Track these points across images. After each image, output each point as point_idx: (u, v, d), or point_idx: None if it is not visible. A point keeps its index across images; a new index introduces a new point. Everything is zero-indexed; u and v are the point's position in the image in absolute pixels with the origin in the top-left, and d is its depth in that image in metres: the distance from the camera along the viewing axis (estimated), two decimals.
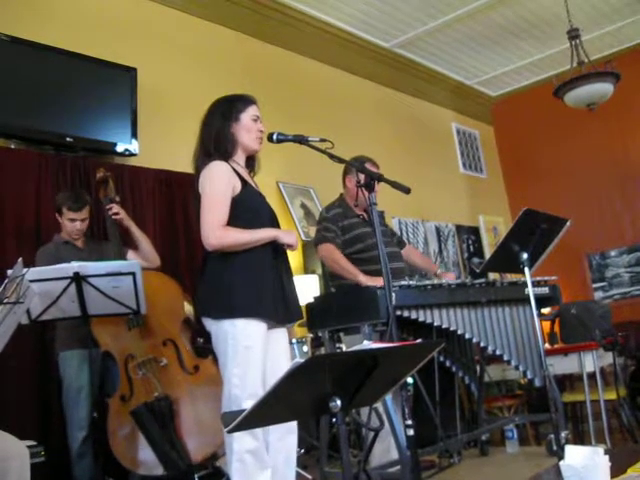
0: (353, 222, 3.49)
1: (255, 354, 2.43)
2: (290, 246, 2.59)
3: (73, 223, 3.30)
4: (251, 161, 2.71)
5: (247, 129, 2.60)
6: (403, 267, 3.55)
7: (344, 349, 3.61)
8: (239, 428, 1.44)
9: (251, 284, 2.46)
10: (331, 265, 3.43)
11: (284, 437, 2.50)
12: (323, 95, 5.87)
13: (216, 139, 2.58)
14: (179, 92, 4.65)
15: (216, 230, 2.43)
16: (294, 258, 4.77)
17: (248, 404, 2.30)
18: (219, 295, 2.48)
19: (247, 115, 2.61)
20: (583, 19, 6.01)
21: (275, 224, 2.66)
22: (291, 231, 2.68)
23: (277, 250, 2.58)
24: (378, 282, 2.95)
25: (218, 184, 2.49)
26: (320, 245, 3.46)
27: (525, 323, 3.47)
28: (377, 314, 2.85)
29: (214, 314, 2.48)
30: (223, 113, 2.60)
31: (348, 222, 3.48)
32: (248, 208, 2.55)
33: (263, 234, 2.53)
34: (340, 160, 2.47)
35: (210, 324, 2.50)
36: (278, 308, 2.50)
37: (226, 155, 2.57)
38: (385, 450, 3.20)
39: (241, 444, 2.36)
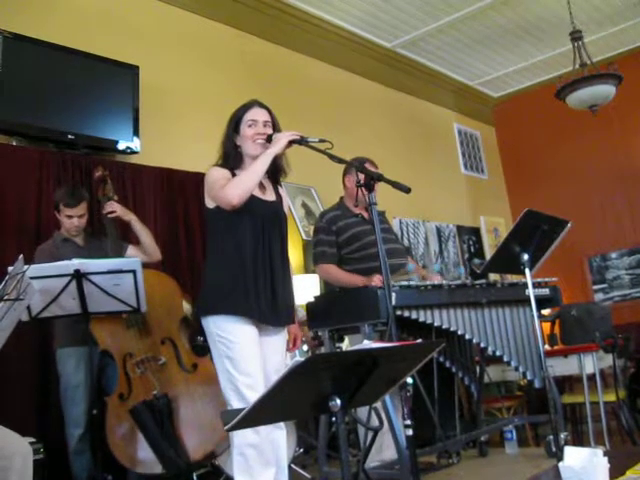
0: (350, 222, 3.49)
1: (244, 348, 2.45)
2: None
3: (70, 220, 3.28)
4: (272, 165, 2.59)
5: (244, 137, 2.63)
6: (404, 263, 3.55)
7: (344, 348, 3.62)
8: (238, 426, 1.44)
9: (231, 282, 2.50)
10: (335, 284, 3.46)
11: (272, 432, 2.50)
12: (325, 95, 5.87)
13: (222, 155, 2.67)
14: (181, 90, 4.65)
15: (220, 191, 2.48)
16: (294, 257, 4.77)
17: (245, 395, 2.37)
18: (204, 293, 2.60)
19: (243, 123, 2.63)
20: (586, 21, 6.01)
21: (276, 226, 2.65)
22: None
23: (272, 251, 2.59)
24: (377, 281, 2.99)
25: (214, 174, 2.58)
26: (318, 266, 3.49)
27: (525, 324, 3.47)
28: (377, 314, 2.85)
29: (201, 311, 2.57)
30: (226, 128, 2.67)
31: (344, 222, 3.48)
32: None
33: None
34: (340, 160, 2.47)
35: (202, 321, 2.57)
36: (262, 308, 2.51)
37: (227, 166, 2.62)
38: (377, 449, 3.19)
39: (242, 438, 2.37)
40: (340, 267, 3.43)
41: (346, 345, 3.67)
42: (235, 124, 2.63)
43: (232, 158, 2.63)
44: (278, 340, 2.65)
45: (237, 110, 2.68)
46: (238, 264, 2.52)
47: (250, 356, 2.45)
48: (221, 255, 2.57)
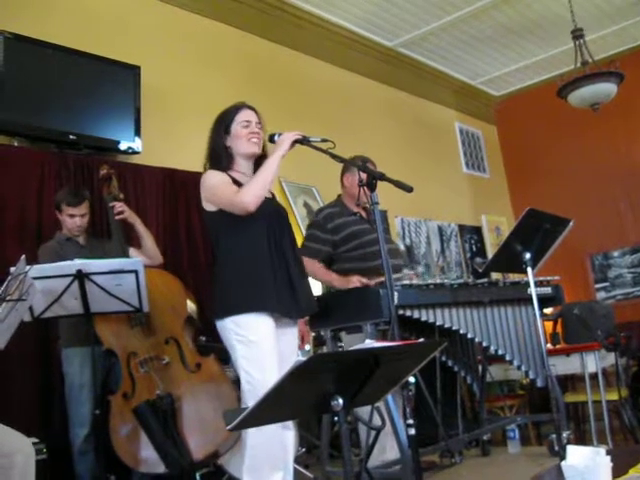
0: (348, 220, 3.45)
1: (263, 347, 2.46)
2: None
3: (73, 219, 3.29)
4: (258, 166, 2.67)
5: (238, 137, 2.65)
6: (400, 264, 3.54)
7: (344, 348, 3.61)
8: (240, 426, 1.44)
9: (249, 280, 2.51)
10: (312, 278, 3.44)
11: (281, 433, 2.49)
12: (326, 94, 5.87)
13: (211, 155, 2.68)
14: (182, 90, 4.65)
15: (235, 198, 2.49)
16: None
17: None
18: (220, 295, 2.58)
19: (236, 124, 2.65)
20: (587, 19, 5.99)
21: (280, 221, 2.67)
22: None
23: (283, 245, 2.60)
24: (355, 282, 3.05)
25: (214, 179, 2.59)
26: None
27: (527, 323, 3.46)
28: (379, 313, 2.85)
29: (218, 314, 2.54)
30: (215, 129, 2.69)
31: (342, 220, 3.43)
32: None
33: None
34: (341, 160, 2.48)
35: (218, 324, 2.56)
36: (283, 301, 2.52)
37: (221, 168, 2.63)
38: (380, 451, 3.19)
39: (252, 440, 2.38)
40: (338, 266, 3.41)
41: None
42: (226, 125, 2.66)
43: (224, 159, 2.65)
44: (291, 335, 2.67)
45: (226, 112, 2.70)
46: (253, 262, 2.53)
47: (268, 355, 2.46)
48: (234, 255, 2.56)
